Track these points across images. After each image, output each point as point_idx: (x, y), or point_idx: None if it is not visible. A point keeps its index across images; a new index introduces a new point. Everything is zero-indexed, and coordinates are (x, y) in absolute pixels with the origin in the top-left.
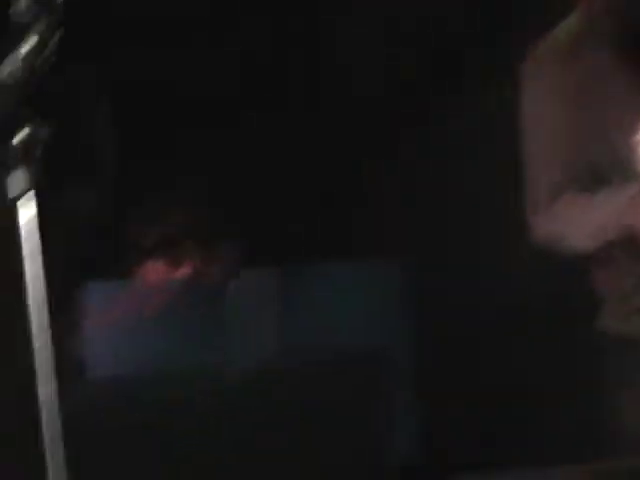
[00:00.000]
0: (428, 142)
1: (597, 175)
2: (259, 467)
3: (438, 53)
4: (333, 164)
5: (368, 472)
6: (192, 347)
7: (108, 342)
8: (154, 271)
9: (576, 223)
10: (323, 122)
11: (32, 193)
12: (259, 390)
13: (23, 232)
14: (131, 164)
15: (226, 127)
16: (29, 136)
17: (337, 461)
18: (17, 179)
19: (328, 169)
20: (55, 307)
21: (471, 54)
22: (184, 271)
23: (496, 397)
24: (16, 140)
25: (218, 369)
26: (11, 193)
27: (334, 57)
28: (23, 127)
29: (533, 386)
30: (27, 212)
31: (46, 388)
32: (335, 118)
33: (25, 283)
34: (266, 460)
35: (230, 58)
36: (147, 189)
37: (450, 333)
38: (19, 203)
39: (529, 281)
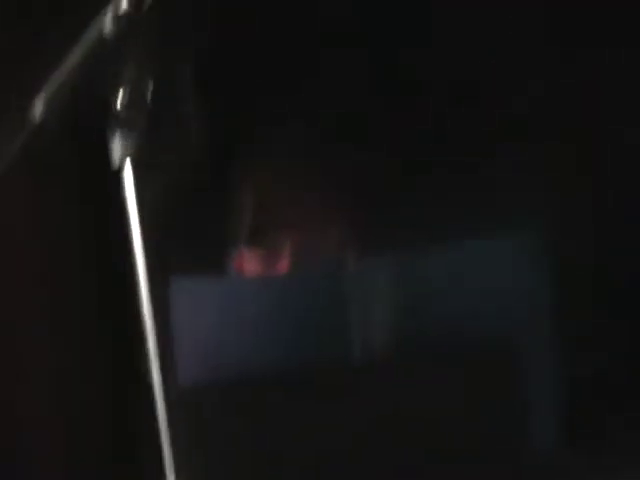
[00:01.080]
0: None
1: None
2: (384, 464)
3: None
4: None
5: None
6: (303, 344)
7: (207, 341)
8: (251, 264)
9: None
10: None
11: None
12: (381, 383)
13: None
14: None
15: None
16: (133, 97)
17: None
18: (117, 144)
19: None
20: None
21: None
22: (285, 263)
23: None
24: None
25: (335, 364)
26: (113, 159)
27: None
28: (129, 88)
29: None
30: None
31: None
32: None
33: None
34: (389, 457)
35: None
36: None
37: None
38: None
39: None
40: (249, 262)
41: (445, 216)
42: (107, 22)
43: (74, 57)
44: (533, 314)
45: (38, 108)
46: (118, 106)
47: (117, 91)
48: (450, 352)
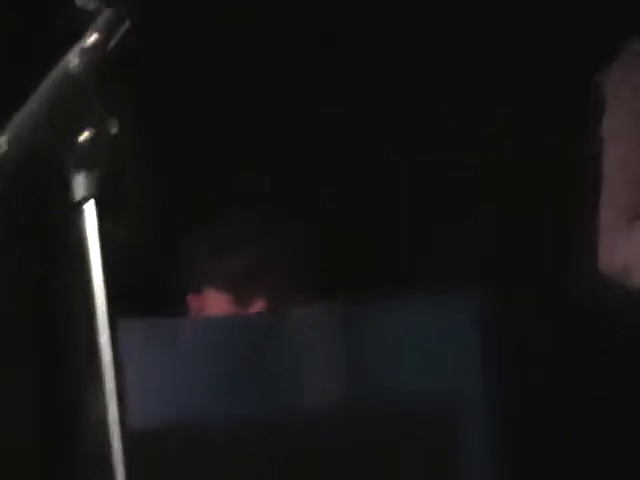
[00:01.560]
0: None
1: None
2: None
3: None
4: (399, 193)
5: None
6: (249, 389)
7: (157, 386)
8: (215, 307)
9: None
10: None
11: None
12: (324, 436)
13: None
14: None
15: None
16: (95, 135)
17: None
18: (79, 183)
19: (392, 198)
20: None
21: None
22: (249, 308)
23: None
24: (82, 138)
25: (279, 415)
26: (74, 197)
27: None
28: (89, 124)
29: None
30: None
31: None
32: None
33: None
34: None
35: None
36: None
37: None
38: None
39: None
40: (212, 305)
41: (389, 275)
42: (73, 59)
43: (40, 94)
44: (473, 377)
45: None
46: (82, 143)
47: (82, 128)
48: (385, 414)
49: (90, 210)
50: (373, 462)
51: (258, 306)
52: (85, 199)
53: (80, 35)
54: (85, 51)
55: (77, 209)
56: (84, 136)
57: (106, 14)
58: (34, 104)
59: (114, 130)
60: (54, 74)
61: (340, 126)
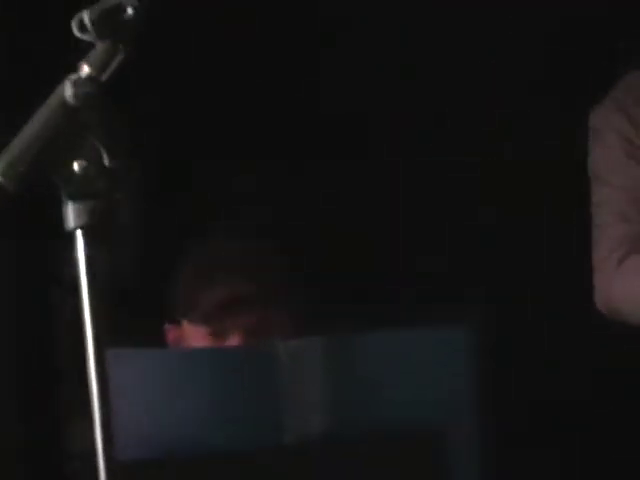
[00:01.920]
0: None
1: None
2: None
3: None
4: (381, 228)
5: None
6: (232, 421)
7: (133, 419)
8: (193, 339)
9: None
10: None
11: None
12: (307, 468)
13: None
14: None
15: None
16: (88, 166)
17: None
18: (71, 212)
19: (376, 232)
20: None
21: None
22: (227, 341)
23: None
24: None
25: (258, 446)
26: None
27: None
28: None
29: None
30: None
31: None
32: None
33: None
34: None
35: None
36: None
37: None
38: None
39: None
40: (191, 338)
41: (376, 306)
42: (67, 89)
43: (34, 123)
44: (459, 408)
45: None
46: (76, 172)
47: (76, 158)
48: (373, 443)
49: (80, 239)
50: None
51: (236, 340)
52: (76, 228)
53: (78, 59)
54: (79, 82)
55: (68, 238)
56: (77, 167)
57: (101, 47)
58: (28, 133)
59: (107, 162)
60: (49, 103)
61: (340, 126)
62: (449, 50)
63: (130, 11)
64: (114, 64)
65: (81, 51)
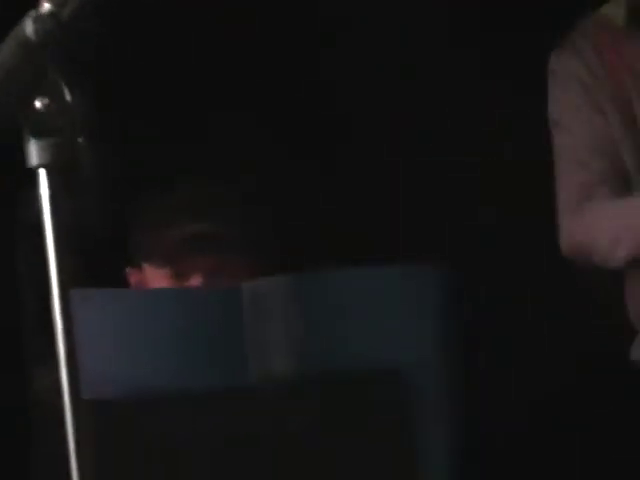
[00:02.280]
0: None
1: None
2: None
3: None
4: (350, 159)
5: None
6: (200, 362)
7: (98, 359)
8: (154, 282)
9: (608, 231)
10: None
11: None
12: (273, 407)
13: None
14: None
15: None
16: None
17: None
18: (34, 150)
19: (345, 164)
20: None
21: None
22: (190, 283)
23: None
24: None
25: (223, 386)
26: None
27: None
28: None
29: None
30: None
31: None
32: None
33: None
34: None
35: None
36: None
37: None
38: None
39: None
40: (152, 281)
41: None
42: (29, 25)
43: None
44: (423, 347)
45: None
46: (38, 108)
47: (38, 95)
48: (338, 382)
49: (43, 178)
50: (324, 431)
51: (197, 281)
52: (39, 167)
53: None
54: (40, 19)
55: (31, 176)
56: (39, 104)
57: None
58: None
59: (68, 99)
60: (10, 40)
61: (340, 126)
62: (449, 50)
63: None
64: (74, 3)
65: None
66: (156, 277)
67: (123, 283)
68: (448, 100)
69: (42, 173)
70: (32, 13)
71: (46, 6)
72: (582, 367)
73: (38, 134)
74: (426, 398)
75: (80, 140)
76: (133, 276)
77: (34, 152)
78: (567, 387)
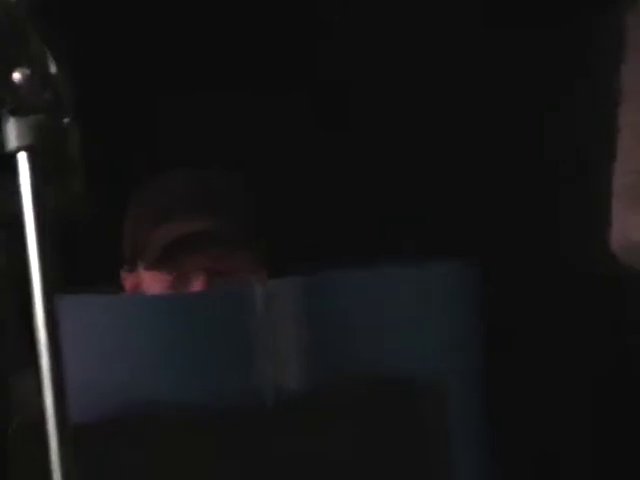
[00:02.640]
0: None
1: None
2: None
3: None
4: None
5: None
6: (200, 378)
7: (88, 376)
8: (152, 286)
9: None
10: None
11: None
12: (287, 424)
13: None
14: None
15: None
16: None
17: None
18: (13, 130)
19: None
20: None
21: None
22: (194, 287)
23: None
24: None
25: (235, 398)
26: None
27: None
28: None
29: None
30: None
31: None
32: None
33: None
34: None
35: None
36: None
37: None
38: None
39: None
40: (150, 285)
41: (364, 238)
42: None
43: None
44: (459, 354)
45: None
46: (18, 81)
47: (17, 65)
48: (367, 392)
49: (24, 163)
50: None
51: (199, 285)
52: (19, 150)
53: None
54: None
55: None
56: (19, 76)
57: None
58: None
59: (53, 70)
60: None
61: (340, 126)
62: (449, 49)
63: None
64: None
65: None
66: (153, 281)
67: (117, 287)
68: (448, 100)
69: (22, 157)
70: None
71: None
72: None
73: (17, 112)
74: (458, 408)
75: (66, 120)
76: (128, 280)
77: (13, 133)
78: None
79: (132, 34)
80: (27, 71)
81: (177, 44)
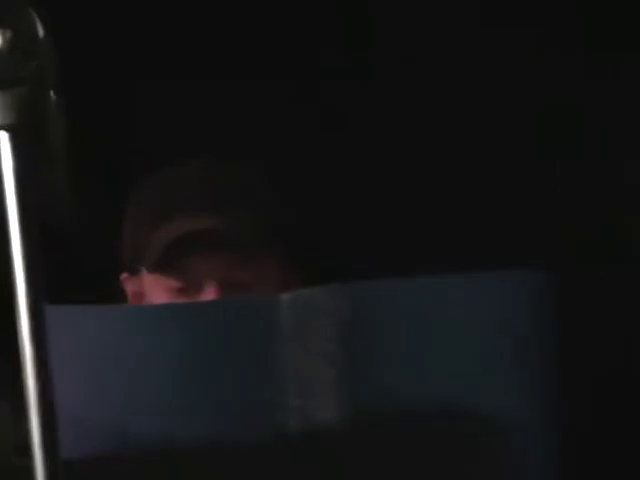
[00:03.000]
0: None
1: None
2: None
3: None
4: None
5: None
6: (212, 403)
7: (83, 401)
8: (160, 291)
9: None
10: None
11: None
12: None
13: None
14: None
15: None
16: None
17: None
18: None
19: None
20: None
21: None
22: (204, 295)
23: None
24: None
25: (251, 435)
26: None
27: None
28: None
29: None
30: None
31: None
32: None
33: None
34: None
35: None
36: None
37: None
38: None
39: None
40: (153, 291)
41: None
42: None
43: None
44: (526, 378)
45: None
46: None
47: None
48: (417, 423)
49: (5, 143)
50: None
51: (211, 294)
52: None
53: None
54: None
55: None
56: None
57: None
58: None
59: (40, 33)
60: None
61: (340, 125)
62: (449, 49)
63: None
64: None
65: None
66: (157, 286)
67: (116, 295)
68: (448, 100)
69: (2, 137)
70: None
71: None
72: None
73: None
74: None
75: (52, 94)
76: (129, 284)
77: None
78: None
79: (132, 32)
80: (8, 32)
81: (177, 44)
